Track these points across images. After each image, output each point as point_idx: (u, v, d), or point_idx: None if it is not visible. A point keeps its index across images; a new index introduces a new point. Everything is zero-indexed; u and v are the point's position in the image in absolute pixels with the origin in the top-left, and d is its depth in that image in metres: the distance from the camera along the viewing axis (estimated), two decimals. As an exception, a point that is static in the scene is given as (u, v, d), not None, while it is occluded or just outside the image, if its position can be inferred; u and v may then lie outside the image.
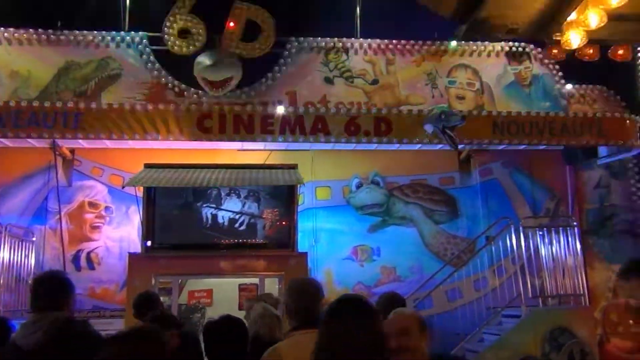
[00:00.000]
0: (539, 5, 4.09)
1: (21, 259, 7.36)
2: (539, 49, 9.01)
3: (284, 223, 7.42)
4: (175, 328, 3.36)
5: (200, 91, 8.32)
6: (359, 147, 8.17)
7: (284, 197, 7.44)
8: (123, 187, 7.58)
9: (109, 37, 8.45)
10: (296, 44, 8.74)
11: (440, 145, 7.97)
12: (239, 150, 8.19)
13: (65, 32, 8.34)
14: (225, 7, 8.44)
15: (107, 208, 8.17)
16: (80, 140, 7.55)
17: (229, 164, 7.80)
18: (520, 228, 7.47)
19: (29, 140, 7.43)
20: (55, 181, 7.84)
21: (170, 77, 8.37)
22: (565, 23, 5.67)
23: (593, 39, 6.46)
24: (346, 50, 8.87)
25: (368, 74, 8.86)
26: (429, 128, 7.74)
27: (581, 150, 8.58)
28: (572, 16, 4.76)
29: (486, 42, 8.95)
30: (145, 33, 8.49)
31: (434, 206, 8.75)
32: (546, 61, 9.11)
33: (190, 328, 7.22)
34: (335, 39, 8.88)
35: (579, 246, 7.67)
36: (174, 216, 7.34)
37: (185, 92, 8.31)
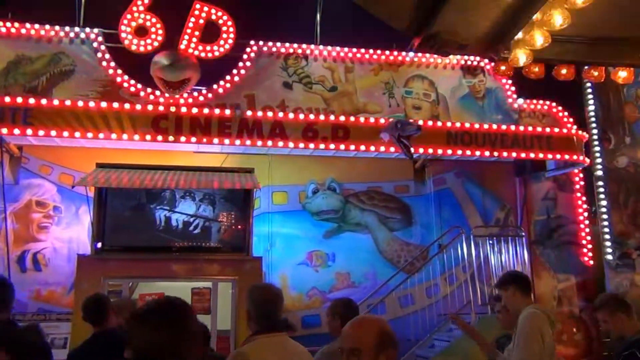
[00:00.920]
0: (488, 24, 4.26)
1: (-39, 259, 7.04)
2: (493, 64, 9.30)
3: (239, 227, 7.37)
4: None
5: (156, 91, 8.18)
6: (316, 153, 8.21)
7: (240, 201, 7.40)
8: (73, 187, 7.36)
9: (62, 32, 8.19)
10: (256, 47, 8.72)
11: (396, 154, 8.10)
12: (194, 152, 8.10)
13: (17, 24, 8.05)
14: (184, 6, 8.33)
15: (55, 208, 7.90)
16: (29, 137, 7.29)
17: (185, 165, 7.71)
18: (471, 237, 7.69)
19: (-26, 135, 7.14)
20: (1, 179, 7.54)
21: (125, 76, 8.19)
22: (512, 42, 5.89)
23: (538, 57, 6.72)
24: (306, 57, 8.91)
25: (327, 81, 8.92)
26: (385, 136, 7.86)
27: (530, 162, 8.91)
28: (519, 35, 4.97)
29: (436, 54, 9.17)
30: (100, 30, 8.28)
31: (389, 213, 8.88)
32: (499, 76, 9.41)
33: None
34: (295, 44, 8.91)
35: (526, 255, 7.95)
36: (126, 217, 7.18)
37: (140, 92, 8.15)
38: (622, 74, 5.40)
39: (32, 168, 7.96)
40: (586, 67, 5.68)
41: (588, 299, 8.63)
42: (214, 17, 8.30)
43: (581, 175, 9.38)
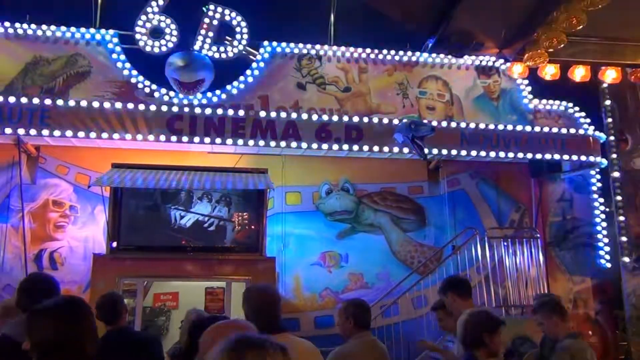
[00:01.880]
0: (504, 24, 4.22)
1: (-20, 257, 7.14)
2: (508, 64, 9.22)
3: (252, 227, 7.39)
4: None
5: (171, 92, 8.24)
6: (329, 154, 8.21)
7: (254, 201, 7.42)
8: (89, 187, 7.43)
9: (78, 34, 8.28)
10: (269, 48, 8.75)
11: (409, 155, 8.07)
12: (208, 152, 8.14)
13: (34, 26, 8.15)
14: (199, 8, 8.38)
15: (72, 207, 7.99)
16: (46, 138, 7.37)
17: (199, 166, 7.74)
18: (486, 238, 7.64)
19: (-8, 135, 7.24)
20: (19, 178, 7.64)
21: (140, 77, 8.26)
22: (528, 42, 5.85)
23: (555, 58, 6.66)
24: (319, 57, 8.91)
25: (340, 81, 8.92)
26: (398, 137, 7.82)
27: (546, 163, 8.82)
28: (535, 36, 4.93)
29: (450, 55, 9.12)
30: (116, 31, 8.36)
31: (402, 214, 8.85)
32: (515, 76, 9.32)
33: (155, 331, 7.13)
34: (309, 45, 8.92)
35: (541, 257, 7.88)
36: (141, 217, 7.23)
37: (155, 93, 8.21)
38: (640, 75, 5.35)
39: (49, 168, 8.06)
40: (603, 68, 5.63)
41: (604, 301, 8.53)
42: (227, 18, 8.34)
43: (597, 176, 9.26)
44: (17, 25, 8.08)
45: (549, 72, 5.91)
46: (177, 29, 8.20)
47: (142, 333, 5.74)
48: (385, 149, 7.97)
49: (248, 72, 8.54)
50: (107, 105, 7.39)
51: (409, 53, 9.11)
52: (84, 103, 7.33)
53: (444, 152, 8.15)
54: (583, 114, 9.31)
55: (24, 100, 7.18)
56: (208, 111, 7.61)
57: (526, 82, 9.25)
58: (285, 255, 8.25)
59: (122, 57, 8.24)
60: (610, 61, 7.20)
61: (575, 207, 9.19)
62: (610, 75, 7.83)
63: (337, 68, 8.94)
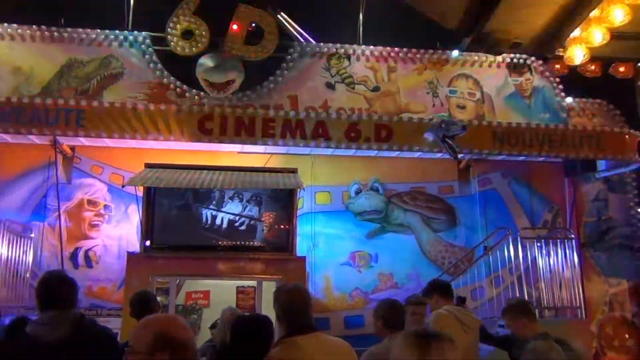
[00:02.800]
0: (543, 21, 4.12)
1: (19, 255, 7.32)
2: (540, 62, 9.06)
3: (283, 227, 7.41)
4: None
5: (201, 92, 8.33)
6: (359, 153, 8.20)
7: (284, 200, 7.43)
8: (123, 187, 7.55)
9: (112, 36, 8.44)
10: (299, 48, 8.77)
11: (440, 154, 8.00)
12: (238, 152, 8.20)
13: (69, 29, 8.34)
14: (229, 9, 8.46)
15: (106, 206, 8.15)
16: (81, 138, 7.54)
17: (230, 166, 7.80)
18: (519, 239, 7.50)
19: (30, 136, 7.44)
20: (55, 178, 7.83)
21: (172, 78, 8.38)
22: (568, 39, 5.72)
23: (596, 55, 6.49)
24: (348, 57, 8.90)
25: (369, 81, 8.89)
26: (429, 136, 7.77)
27: (580, 162, 8.64)
28: (576, 33, 4.81)
29: (488, 54, 9.00)
30: (148, 33, 8.50)
31: (433, 214, 8.78)
32: (547, 74, 9.16)
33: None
34: (338, 44, 8.91)
35: (576, 259, 7.71)
36: (174, 216, 7.32)
37: (186, 93, 8.31)
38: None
39: (84, 168, 8.23)
40: (640, 65, 5.47)
41: (641, 304, 8.32)
42: (258, 19, 8.40)
43: (634, 175, 9.03)
44: (53, 28, 8.27)
45: (590, 69, 5.77)
46: (208, 30, 8.29)
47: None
48: (415, 148, 7.92)
49: (277, 72, 8.58)
50: (140, 106, 7.52)
51: (439, 51, 9.04)
52: (117, 104, 7.46)
53: (476, 151, 8.05)
54: (618, 111, 9.10)
55: (60, 101, 7.35)
56: (238, 111, 7.66)
57: (559, 79, 9.08)
58: (315, 254, 8.26)
59: (154, 58, 8.37)
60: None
61: (611, 208, 8.99)
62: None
63: (366, 67, 8.93)
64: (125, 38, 8.46)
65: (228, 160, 8.09)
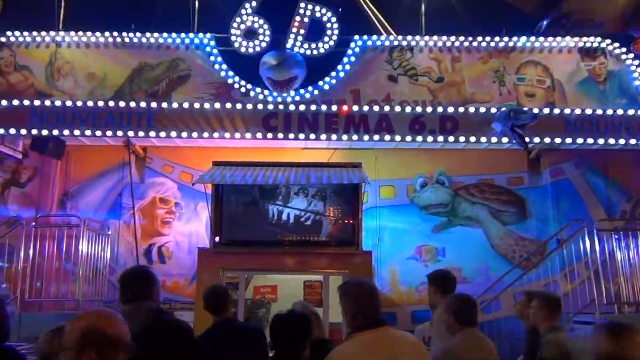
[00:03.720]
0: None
1: (98, 252, 7.72)
2: (617, 44, 8.58)
3: (348, 221, 7.40)
4: None
5: (265, 90, 8.45)
6: (423, 146, 8.08)
7: (349, 195, 7.42)
8: (193, 185, 7.80)
9: (178, 39, 8.71)
10: (360, 42, 8.73)
11: (508, 145, 7.75)
12: (302, 148, 8.27)
13: (138, 35, 8.67)
14: (290, 7, 8.54)
15: (177, 204, 8.46)
16: (152, 139, 7.85)
17: (295, 162, 7.86)
18: (595, 231, 7.15)
19: (105, 138, 7.82)
20: (129, 178, 8.19)
21: (236, 77, 8.55)
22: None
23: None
24: (411, 48, 8.77)
25: (433, 72, 8.73)
26: (497, 127, 7.54)
27: (661, 149, 8.13)
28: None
29: (558, 38, 8.62)
30: (212, 34, 8.70)
31: (502, 206, 8.53)
32: (624, 57, 8.66)
33: (256, 323, 7.36)
34: (400, 36, 8.80)
35: (658, 251, 7.27)
36: (241, 213, 7.46)
37: (250, 92, 8.46)
38: None
39: (155, 167, 8.57)
40: None
41: None
42: (318, 14, 8.42)
43: None
44: (124, 34, 8.62)
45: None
46: (270, 28, 8.40)
47: (248, 324, 5.91)
48: (483, 139, 7.73)
49: (339, 67, 8.58)
50: (206, 106, 7.73)
51: (505, 39, 8.74)
52: (186, 105, 7.71)
53: (547, 140, 7.75)
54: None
55: (132, 104, 7.67)
56: (302, 107, 7.73)
57: (637, 62, 8.58)
58: (380, 249, 8.22)
59: (219, 59, 8.57)
60: None
61: (696, 196, 8.41)
62: None
63: (430, 58, 8.76)
64: (191, 40, 8.69)
65: (292, 157, 8.16)
